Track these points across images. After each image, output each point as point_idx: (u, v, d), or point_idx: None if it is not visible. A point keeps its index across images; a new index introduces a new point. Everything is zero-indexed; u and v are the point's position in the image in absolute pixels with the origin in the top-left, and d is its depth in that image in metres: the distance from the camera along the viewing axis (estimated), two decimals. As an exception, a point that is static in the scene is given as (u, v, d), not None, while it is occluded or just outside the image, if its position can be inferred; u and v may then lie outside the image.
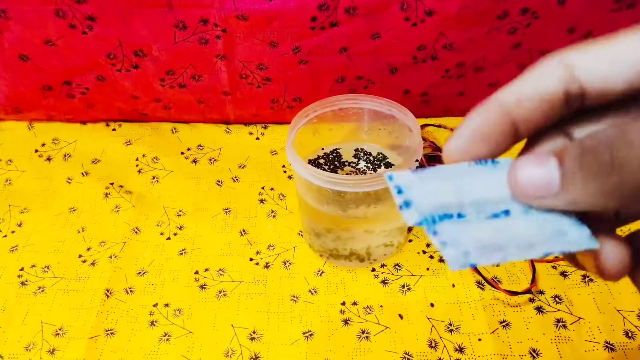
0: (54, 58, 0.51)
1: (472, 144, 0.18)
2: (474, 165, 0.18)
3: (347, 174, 0.48)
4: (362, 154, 0.49)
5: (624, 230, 0.21)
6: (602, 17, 0.49)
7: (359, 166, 0.48)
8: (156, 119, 0.60)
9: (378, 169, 0.48)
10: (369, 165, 0.49)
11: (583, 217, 0.18)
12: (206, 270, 0.47)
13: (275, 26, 0.48)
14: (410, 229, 0.49)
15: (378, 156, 0.49)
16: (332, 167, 0.49)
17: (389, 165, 0.48)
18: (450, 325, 0.42)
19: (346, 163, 0.49)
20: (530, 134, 0.19)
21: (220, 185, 0.54)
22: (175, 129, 0.60)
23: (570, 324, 0.42)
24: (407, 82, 0.54)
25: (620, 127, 0.15)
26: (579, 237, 0.17)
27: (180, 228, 0.50)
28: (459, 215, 0.17)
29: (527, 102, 0.18)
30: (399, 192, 0.18)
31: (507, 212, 0.18)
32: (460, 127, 0.19)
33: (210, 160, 0.57)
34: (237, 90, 0.55)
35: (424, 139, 0.55)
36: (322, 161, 0.49)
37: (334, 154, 0.49)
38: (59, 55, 0.50)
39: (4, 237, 0.50)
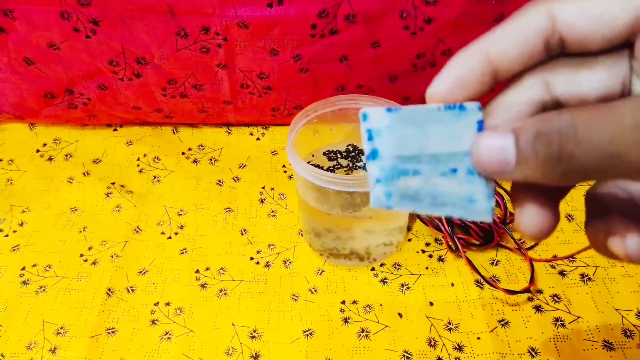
0: (58, 63, 0.51)
1: (453, 90, 0.20)
2: (443, 110, 0.20)
3: (346, 173, 0.48)
4: (333, 154, 0.50)
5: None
6: None
7: (357, 164, 0.49)
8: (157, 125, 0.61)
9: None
10: (351, 161, 0.49)
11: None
12: (207, 269, 0.47)
13: (276, 34, 0.48)
14: (409, 228, 0.49)
15: (348, 148, 0.49)
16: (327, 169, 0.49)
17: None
18: (450, 324, 0.42)
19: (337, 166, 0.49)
20: (510, 78, 0.20)
21: (220, 185, 0.55)
22: (176, 129, 0.60)
23: (569, 323, 0.42)
24: (406, 90, 0.54)
25: (572, 120, 0.16)
26: (481, 209, 0.20)
27: (181, 227, 0.51)
28: (414, 172, 0.20)
29: (508, 51, 0.19)
30: (370, 138, 0.20)
31: (454, 171, 0.20)
32: (442, 73, 0.20)
33: (211, 160, 0.57)
34: (239, 100, 0.55)
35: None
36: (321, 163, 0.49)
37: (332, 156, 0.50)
38: (63, 61, 0.51)
39: (5, 236, 0.51)
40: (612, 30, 0.18)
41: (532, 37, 0.19)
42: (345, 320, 0.43)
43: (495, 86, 0.20)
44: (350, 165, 0.49)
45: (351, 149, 0.50)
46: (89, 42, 0.49)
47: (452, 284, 0.45)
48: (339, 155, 0.50)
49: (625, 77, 0.19)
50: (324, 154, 0.50)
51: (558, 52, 0.19)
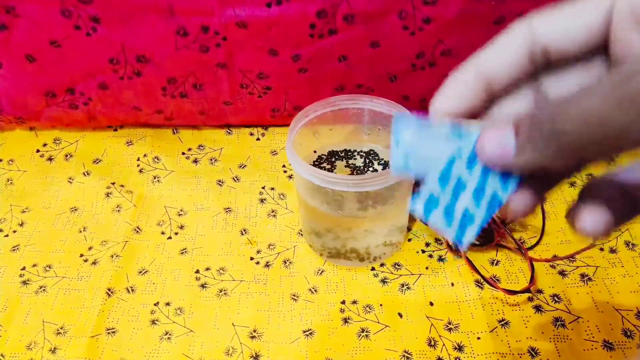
0: (59, 61, 0.51)
1: (454, 103, 0.22)
2: (452, 138, 0.22)
3: (351, 173, 0.48)
4: (359, 155, 0.50)
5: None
6: None
7: (357, 164, 0.49)
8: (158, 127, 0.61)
9: (375, 167, 0.48)
10: (368, 164, 0.49)
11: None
12: (207, 269, 0.47)
13: (275, 33, 0.48)
14: (409, 228, 0.49)
15: (370, 153, 0.49)
16: (330, 168, 0.49)
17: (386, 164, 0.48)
18: (450, 324, 0.42)
19: (344, 161, 0.49)
20: (504, 90, 0.22)
21: (220, 185, 0.55)
22: (176, 129, 0.60)
23: (569, 322, 0.42)
24: (406, 89, 0.54)
25: (559, 101, 0.18)
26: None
27: (181, 227, 0.51)
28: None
29: (497, 65, 0.22)
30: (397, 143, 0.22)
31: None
32: (442, 89, 0.22)
33: (211, 160, 0.57)
34: (238, 100, 0.55)
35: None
36: (321, 163, 0.49)
37: (332, 156, 0.50)
38: (64, 58, 0.51)
39: (5, 236, 0.51)
40: (587, 36, 0.20)
41: (517, 50, 0.21)
42: (346, 320, 0.43)
43: (491, 99, 0.23)
44: (350, 165, 0.49)
45: (351, 149, 0.50)
46: (90, 40, 0.49)
47: (452, 284, 0.45)
48: (338, 156, 0.50)
49: (602, 74, 0.22)
50: (324, 154, 0.50)
51: (543, 62, 0.22)
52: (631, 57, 0.20)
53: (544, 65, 0.22)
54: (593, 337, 0.41)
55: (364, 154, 0.50)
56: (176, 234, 0.50)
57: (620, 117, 0.16)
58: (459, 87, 0.22)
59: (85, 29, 0.48)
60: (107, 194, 0.54)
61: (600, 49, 0.21)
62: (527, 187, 0.22)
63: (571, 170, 0.23)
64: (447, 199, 0.22)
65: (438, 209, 0.22)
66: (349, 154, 0.50)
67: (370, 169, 0.49)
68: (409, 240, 0.49)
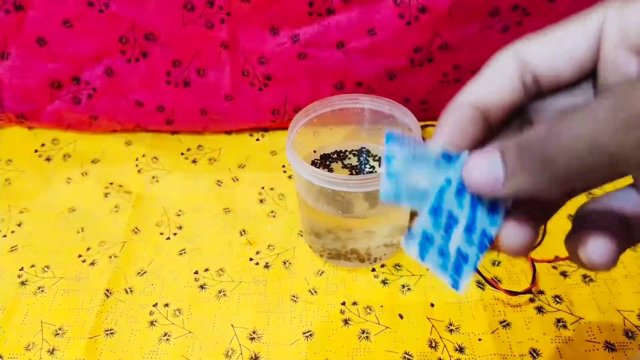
0: (69, 43, 0.51)
1: (453, 140, 0.21)
2: (442, 164, 0.21)
3: (350, 173, 0.48)
4: (351, 154, 0.49)
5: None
6: None
7: (353, 164, 0.49)
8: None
9: (376, 168, 0.48)
10: (364, 162, 0.49)
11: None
12: (206, 270, 0.47)
13: (275, 9, 0.49)
14: (410, 229, 0.49)
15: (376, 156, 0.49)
16: (328, 169, 0.49)
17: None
18: (451, 325, 0.42)
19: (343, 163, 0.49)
20: (501, 120, 0.22)
21: (220, 185, 0.54)
22: (175, 129, 0.60)
23: (571, 323, 0.42)
24: (406, 90, 0.54)
25: (551, 126, 0.17)
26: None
27: (180, 228, 0.50)
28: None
29: (492, 94, 0.21)
30: (389, 164, 0.21)
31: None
32: (439, 127, 0.21)
33: (210, 160, 0.57)
34: (239, 94, 0.55)
35: (424, 139, 0.55)
36: (319, 164, 0.49)
37: (329, 158, 0.49)
38: (75, 39, 0.51)
39: (3, 237, 0.50)
40: (577, 61, 0.20)
41: (509, 79, 0.21)
42: (346, 322, 0.43)
43: (488, 130, 0.22)
44: (347, 165, 0.49)
45: (342, 150, 0.50)
46: (102, 17, 0.49)
47: (453, 285, 0.45)
48: (332, 158, 0.49)
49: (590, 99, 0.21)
50: (324, 154, 0.50)
51: (534, 89, 0.21)
52: (623, 80, 0.19)
53: (534, 93, 0.21)
54: (595, 338, 0.41)
55: (357, 152, 0.49)
56: (175, 234, 0.50)
57: (619, 143, 0.15)
58: (456, 126, 0.21)
59: (98, 6, 0.49)
60: (106, 194, 0.54)
61: (588, 73, 0.20)
62: (520, 218, 0.21)
63: (564, 199, 0.22)
64: (441, 237, 0.21)
65: (433, 248, 0.21)
66: (341, 154, 0.49)
67: (367, 166, 0.48)
68: (410, 240, 0.48)
